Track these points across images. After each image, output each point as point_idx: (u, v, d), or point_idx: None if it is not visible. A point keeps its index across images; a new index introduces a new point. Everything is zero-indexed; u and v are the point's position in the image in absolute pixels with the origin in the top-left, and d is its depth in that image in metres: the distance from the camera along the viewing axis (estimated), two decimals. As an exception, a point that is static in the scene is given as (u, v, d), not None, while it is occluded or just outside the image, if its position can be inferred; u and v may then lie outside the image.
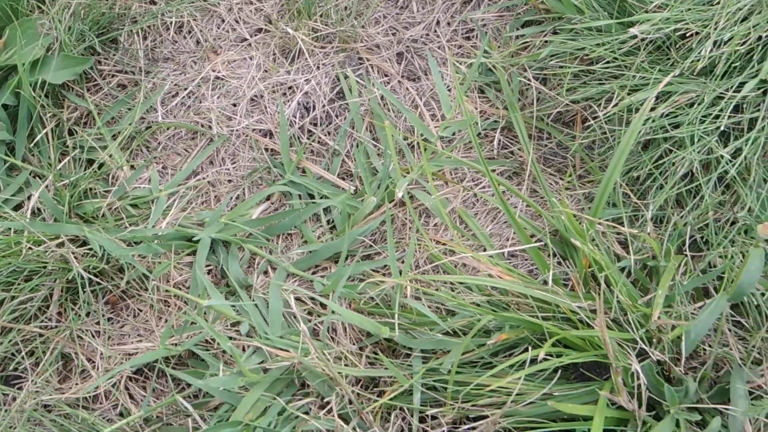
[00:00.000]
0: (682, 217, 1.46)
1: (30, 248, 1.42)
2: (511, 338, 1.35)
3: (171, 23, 1.72)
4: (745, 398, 1.32)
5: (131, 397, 1.45)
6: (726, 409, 1.31)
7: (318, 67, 1.67)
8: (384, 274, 1.50)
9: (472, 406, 1.33)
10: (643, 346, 1.30)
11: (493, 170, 1.60)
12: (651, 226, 1.45)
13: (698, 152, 1.42)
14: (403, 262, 1.50)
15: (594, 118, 1.54)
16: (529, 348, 1.26)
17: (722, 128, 1.42)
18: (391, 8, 1.74)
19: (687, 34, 1.47)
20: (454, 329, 1.38)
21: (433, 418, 1.38)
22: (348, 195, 1.55)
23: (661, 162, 1.48)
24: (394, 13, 1.74)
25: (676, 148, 1.46)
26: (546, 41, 1.60)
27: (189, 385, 1.44)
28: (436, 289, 1.45)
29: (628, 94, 1.48)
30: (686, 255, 1.43)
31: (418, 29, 1.71)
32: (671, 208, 1.49)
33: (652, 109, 1.45)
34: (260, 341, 1.37)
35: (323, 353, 1.32)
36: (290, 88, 1.67)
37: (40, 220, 1.51)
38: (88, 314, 1.50)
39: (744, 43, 1.43)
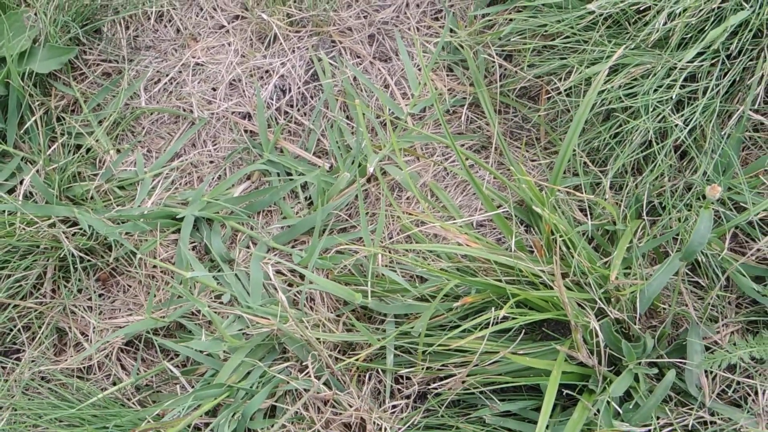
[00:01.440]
0: (638, 183, 1.53)
1: (23, 229, 1.51)
2: (477, 301, 1.43)
3: (152, 13, 1.80)
4: (701, 353, 1.40)
5: (123, 367, 1.54)
6: (682, 362, 1.40)
7: (293, 51, 1.75)
8: (358, 246, 1.58)
9: (442, 365, 1.42)
10: (602, 306, 1.38)
11: (462, 144, 1.67)
12: (609, 192, 1.52)
13: (653, 121, 1.50)
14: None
15: (556, 92, 1.61)
16: (494, 310, 1.34)
17: (675, 97, 1.49)
18: (363, -8, 1.82)
19: (642, 8, 1.54)
20: (424, 295, 1.47)
21: (406, 378, 1.47)
22: (323, 171, 1.63)
23: (619, 131, 1.55)
24: (366, -4, 1.81)
25: (633, 118, 1.53)
26: (509, 19, 1.67)
27: (177, 355, 1.53)
28: (408, 259, 1.53)
29: (587, 67, 1.55)
30: (644, 219, 1.51)
31: (389, 12, 1.78)
32: (630, 175, 1.56)
33: (608, 81, 1.52)
34: (241, 310, 1.46)
35: (301, 320, 1.41)
36: (267, 71, 1.74)
37: (32, 203, 1.59)
38: (80, 291, 1.59)
39: (696, 14, 1.49)
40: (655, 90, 1.50)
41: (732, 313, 1.47)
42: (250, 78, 1.74)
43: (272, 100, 1.72)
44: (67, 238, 1.52)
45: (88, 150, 1.68)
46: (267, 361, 1.45)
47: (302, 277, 1.56)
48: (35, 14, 1.68)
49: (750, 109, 1.48)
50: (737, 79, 1.51)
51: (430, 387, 1.45)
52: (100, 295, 1.60)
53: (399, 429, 1.40)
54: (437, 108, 1.52)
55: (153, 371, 1.49)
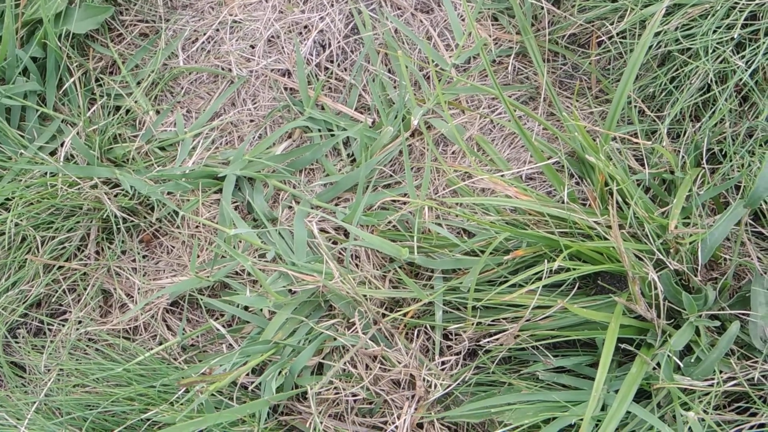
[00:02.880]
0: (697, 129, 1.46)
1: (65, 190, 1.49)
2: (528, 255, 1.38)
3: (188, -30, 1.76)
4: (766, 304, 1.33)
5: (168, 327, 1.53)
6: (745, 315, 1.33)
7: (332, 4, 1.70)
8: (404, 202, 1.53)
9: (493, 321, 1.37)
10: (661, 257, 1.32)
11: (509, 95, 1.61)
12: (666, 139, 1.45)
13: (712, 63, 1.42)
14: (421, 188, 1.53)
15: (608, 37, 1.54)
16: (546, 263, 1.29)
17: (736, 38, 1.41)
18: (403, -59, 1.75)
19: (700, -56, 1.45)
20: (472, 250, 1.42)
21: (456, 334, 1.43)
22: (366, 126, 1.58)
23: (676, 75, 1.47)
24: (406, -54, 1.75)
25: (691, 61, 1.45)
26: (557, -37, 1.59)
27: (222, 315, 1.51)
28: (455, 214, 1.48)
29: (641, 8, 1.48)
30: (703, 167, 1.44)
31: (430, -40, 1.72)
32: (688, 121, 1.49)
33: (664, 23, 1.44)
34: (286, 267, 1.43)
35: (347, 276, 1.37)
36: (305, 27, 1.70)
37: (74, 164, 1.58)
38: (123, 252, 1.58)
39: (757, -51, 1.40)
40: (715, 31, 1.42)
41: (799, 263, 1.40)
42: (289, 34, 1.69)
43: (312, 55, 1.68)
44: (109, 198, 1.51)
45: (127, 111, 1.66)
46: (313, 318, 1.42)
47: (347, 234, 1.52)
48: (71, -26, 1.66)
49: (818, 46, 1.39)
50: (804, 14, 1.42)
51: (480, 343, 1.41)
52: (144, 257, 1.58)
53: (449, 386, 1.36)
54: (483, 57, 1.45)
55: (199, 330, 1.47)
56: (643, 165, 1.48)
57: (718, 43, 1.42)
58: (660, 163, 1.47)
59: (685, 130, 1.48)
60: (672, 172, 1.46)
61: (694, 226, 1.37)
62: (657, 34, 1.44)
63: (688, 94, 1.45)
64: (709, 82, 1.44)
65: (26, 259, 1.51)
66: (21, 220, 1.49)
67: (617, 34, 1.50)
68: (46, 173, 1.53)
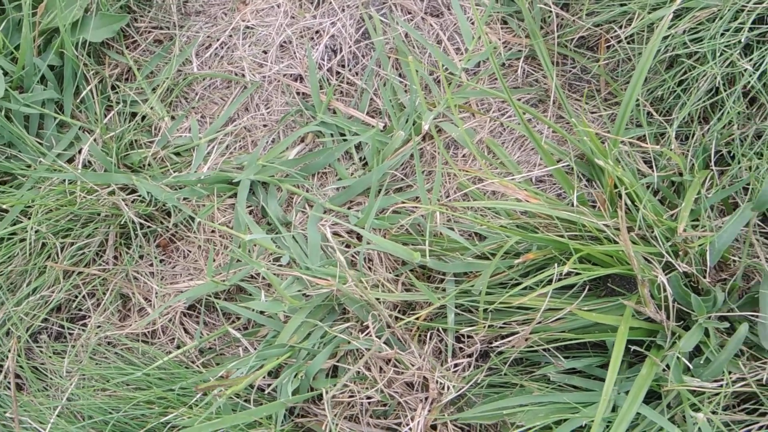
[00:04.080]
0: (706, 132, 1.47)
1: (84, 197, 1.53)
2: (539, 258, 1.40)
3: (200, -23, 1.79)
4: (775, 305, 1.35)
5: (186, 331, 1.56)
6: (755, 316, 1.35)
7: (342, 10, 1.72)
8: (415, 206, 1.56)
9: (504, 324, 1.40)
10: (670, 259, 1.33)
11: (519, 98, 1.63)
12: (675, 142, 1.46)
13: (720, 66, 1.43)
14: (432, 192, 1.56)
15: (617, 41, 1.55)
16: (557, 266, 1.31)
17: (744, 41, 1.42)
18: (412, -54, 1.77)
19: (708, -52, 1.46)
20: (483, 253, 1.44)
21: (468, 337, 1.45)
22: (377, 131, 1.60)
23: (684, 78, 1.49)
24: (415, -50, 1.77)
25: (699, 64, 1.47)
26: (566, -33, 1.61)
27: (238, 318, 1.54)
28: (466, 217, 1.50)
29: (649, 12, 1.49)
30: (712, 169, 1.45)
31: (440, -35, 1.73)
32: (697, 124, 1.50)
33: (672, 26, 1.45)
34: (300, 271, 1.46)
35: (360, 280, 1.40)
36: (317, 32, 1.72)
37: (92, 171, 1.61)
38: (141, 257, 1.61)
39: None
40: (722, 34, 1.44)
41: (807, 265, 1.41)
42: (301, 39, 1.72)
43: (323, 60, 1.70)
44: (126, 205, 1.54)
45: (143, 117, 1.69)
46: (327, 322, 1.45)
47: (359, 238, 1.55)
48: (86, -17, 1.69)
49: (826, 49, 1.40)
50: (811, 17, 1.43)
51: (492, 345, 1.43)
52: (161, 261, 1.61)
53: (462, 388, 1.39)
54: (492, 61, 1.47)
55: (215, 334, 1.50)
56: (651, 167, 1.50)
57: (725, 47, 1.43)
58: (669, 165, 1.49)
59: (693, 133, 1.49)
60: (681, 174, 1.47)
61: (702, 228, 1.38)
62: (665, 38, 1.45)
63: (696, 97, 1.46)
64: (717, 85, 1.45)
65: (46, 265, 1.54)
66: (41, 227, 1.52)
67: (625, 38, 1.51)
68: (64, 180, 1.57)
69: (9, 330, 1.54)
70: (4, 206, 1.56)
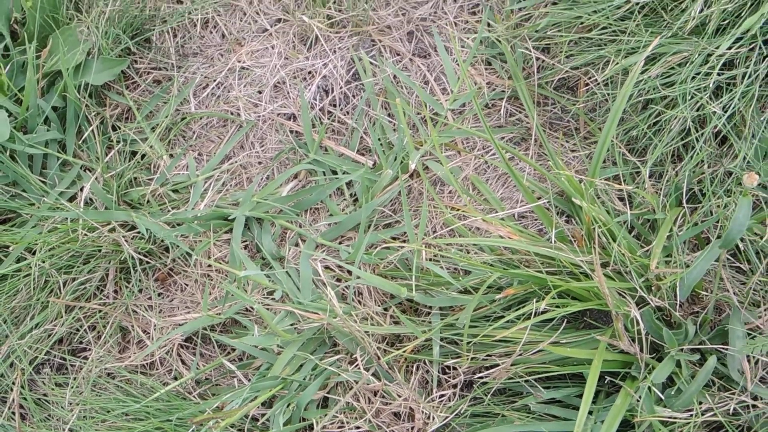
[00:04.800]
0: (678, 171, 1.55)
1: (86, 234, 1.60)
2: (520, 292, 1.47)
3: (197, 20, 1.86)
4: (743, 338, 1.42)
5: (183, 362, 1.63)
6: (724, 348, 1.41)
7: (334, 52, 1.80)
8: (403, 241, 1.63)
9: (487, 356, 1.46)
10: (643, 294, 1.40)
11: (502, 137, 1.71)
12: (648, 181, 1.54)
13: (691, 109, 1.51)
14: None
15: (594, 83, 1.63)
16: (536, 301, 1.38)
17: (713, 84, 1.49)
18: (400, -10, 1.85)
19: (678, -4, 1.54)
20: (467, 288, 1.51)
21: (453, 368, 1.52)
22: (367, 169, 1.68)
23: (657, 120, 1.56)
24: (403, -6, 1.85)
25: (671, 106, 1.54)
26: (545, 12, 1.68)
27: (233, 350, 1.61)
28: (451, 254, 1.57)
29: (624, 58, 1.57)
30: (684, 207, 1.52)
31: (426, 8, 1.81)
32: (670, 163, 1.58)
33: (645, 71, 1.53)
34: (292, 306, 1.53)
35: (349, 314, 1.47)
36: (309, 73, 1.80)
37: (93, 209, 1.68)
38: (140, 291, 1.68)
39: (732, 1, 1.49)
40: (693, 78, 1.51)
41: (775, 298, 1.49)
42: (294, 80, 1.80)
43: (316, 100, 1.78)
44: (126, 241, 1.61)
45: (142, 156, 1.76)
46: (318, 354, 1.52)
47: (350, 272, 1.62)
48: (87, 28, 1.76)
49: (789, 94, 1.48)
50: (776, 64, 1.51)
51: (475, 376, 1.50)
52: (159, 295, 1.68)
53: (446, 417, 1.45)
54: (476, 104, 1.55)
55: (211, 366, 1.57)
56: (626, 204, 1.57)
57: (696, 90, 1.51)
58: (643, 202, 1.56)
59: (666, 172, 1.56)
60: (654, 211, 1.54)
61: (674, 264, 1.45)
62: (638, 82, 1.53)
63: (669, 138, 1.54)
64: (688, 126, 1.53)
65: (49, 300, 1.61)
66: (44, 263, 1.59)
67: (602, 81, 1.59)
68: (67, 218, 1.64)
69: (13, 362, 1.61)
70: (8, 244, 1.63)
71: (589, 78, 1.65)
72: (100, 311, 1.64)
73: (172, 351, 1.61)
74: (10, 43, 1.75)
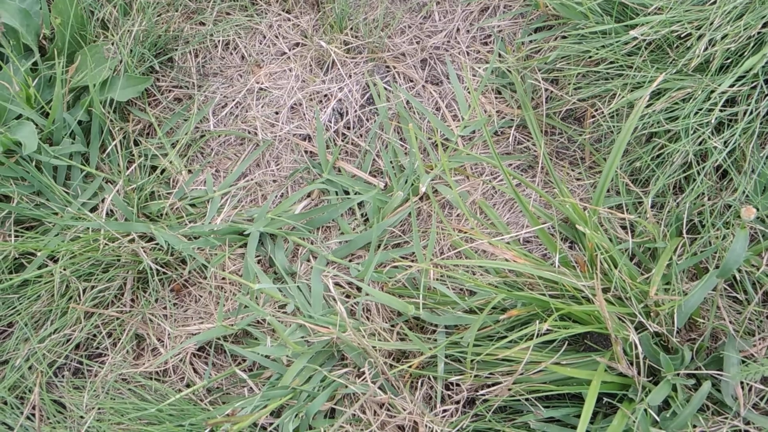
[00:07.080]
0: (679, 202, 1.61)
1: (106, 244, 1.66)
2: (523, 314, 1.53)
3: (219, 41, 1.94)
4: (737, 365, 1.47)
5: (195, 370, 1.68)
6: (719, 374, 1.46)
7: (350, 76, 1.87)
8: (411, 261, 1.69)
9: (489, 374, 1.52)
10: (642, 319, 1.46)
11: (510, 164, 1.77)
12: (650, 211, 1.60)
13: (693, 144, 1.57)
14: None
15: (600, 115, 1.70)
16: (539, 323, 1.43)
17: (715, 120, 1.55)
18: (415, 19, 1.93)
19: (683, 35, 1.61)
20: (472, 308, 1.57)
21: (456, 385, 1.57)
22: (378, 190, 1.74)
23: (660, 153, 1.62)
24: (418, 23, 1.92)
25: (674, 140, 1.61)
26: (555, 45, 1.76)
27: (245, 360, 1.66)
28: (457, 275, 1.63)
29: (629, 92, 1.63)
30: (684, 237, 1.58)
31: (440, 37, 1.89)
32: (671, 194, 1.64)
33: (650, 105, 1.60)
34: (303, 319, 1.58)
35: (358, 329, 1.52)
36: (325, 95, 1.87)
37: (114, 220, 1.74)
38: (156, 300, 1.74)
39: (736, 41, 1.55)
40: (696, 113, 1.58)
41: (769, 328, 1.54)
42: (310, 102, 1.86)
43: (331, 122, 1.84)
44: (145, 252, 1.67)
45: (162, 171, 1.83)
46: (327, 367, 1.57)
47: (359, 289, 1.68)
48: (114, 46, 1.84)
49: (787, 132, 1.54)
50: (776, 102, 1.57)
51: (478, 393, 1.55)
52: (174, 305, 1.74)
53: (449, 432, 1.50)
54: (485, 131, 1.62)
55: (223, 375, 1.62)
56: (628, 233, 1.63)
57: (698, 125, 1.57)
58: (644, 232, 1.62)
59: (667, 202, 1.62)
60: (655, 240, 1.60)
61: (673, 292, 1.51)
62: (643, 116, 1.59)
63: (671, 170, 1.60)
64: (690, 160, 1.59)
65: (69, 306, 1.67)
66: (65, 270, 1.65)
67: (608, 113, 1.66)
68: (88, 228, 1.70)
69: (32, 365, 1.66)
70: (32, 250, 1.69)
71: (596, 110, 1.71)
72: (117, 318, 1.70)
73: (186, 359, 1.67)
74: (39, 59, 1.82)
